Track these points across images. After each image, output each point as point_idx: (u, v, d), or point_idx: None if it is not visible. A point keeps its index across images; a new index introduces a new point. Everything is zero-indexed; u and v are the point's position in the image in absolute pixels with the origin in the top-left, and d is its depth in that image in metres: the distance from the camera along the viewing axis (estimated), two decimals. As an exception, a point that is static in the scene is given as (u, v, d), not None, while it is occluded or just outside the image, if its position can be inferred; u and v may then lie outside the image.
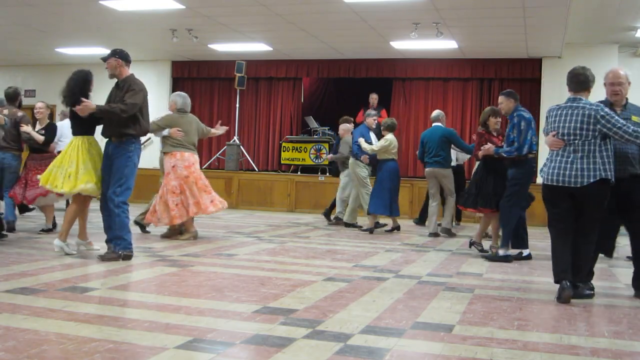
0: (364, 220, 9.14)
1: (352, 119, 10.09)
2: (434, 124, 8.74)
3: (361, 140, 8.85)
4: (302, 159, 12.97)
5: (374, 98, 12.39)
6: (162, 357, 2.84)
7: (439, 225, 8.71)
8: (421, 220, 10.06)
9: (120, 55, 6.02)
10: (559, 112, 4.56)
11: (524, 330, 3.58)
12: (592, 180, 4.34)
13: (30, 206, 7.75)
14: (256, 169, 13.48)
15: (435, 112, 8.93)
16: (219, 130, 7.74)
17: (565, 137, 4.46)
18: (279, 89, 14.24)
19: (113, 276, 4.79)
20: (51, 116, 8.53)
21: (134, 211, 6.45)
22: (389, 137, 8.75)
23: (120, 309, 3.72)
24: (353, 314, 3.80)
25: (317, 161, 12.76)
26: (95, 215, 7.05)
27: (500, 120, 6.98)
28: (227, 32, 11.23)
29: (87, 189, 5.55)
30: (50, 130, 7.23)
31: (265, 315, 3.68)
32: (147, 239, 7.11)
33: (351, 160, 9.15)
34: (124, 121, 5.54)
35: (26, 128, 6.97)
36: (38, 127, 7.29)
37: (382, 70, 13.29)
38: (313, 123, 13.35)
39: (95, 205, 6.14)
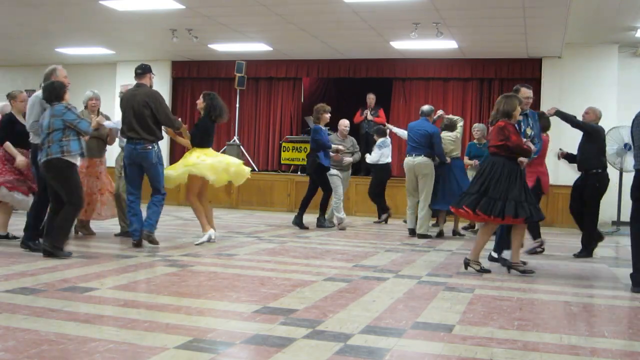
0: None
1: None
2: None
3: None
4: (302, 159, 12.94)
5: (371, 98, 12.38)
6: (162, 357, 2.84)
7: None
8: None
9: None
10: None
11: (524, 330, 3.58)
12: None
13: None
14: (256, 169, 13.47)
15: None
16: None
17: None
18: (279, 89, 14.24)
19: (113, 276, 4.79)
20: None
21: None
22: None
23: (120, 309, 3.72)
24: (353, 314, 3.80)
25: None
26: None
27: None
28: (227, 32, 11.23)
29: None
30: None
31: (265, 315, 3.68)
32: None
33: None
34: None
35: None
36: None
37: (382, 70, 13.28)
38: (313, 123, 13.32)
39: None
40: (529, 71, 12.41)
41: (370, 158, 10.36)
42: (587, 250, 6.92)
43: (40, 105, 5.84)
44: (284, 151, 13.25)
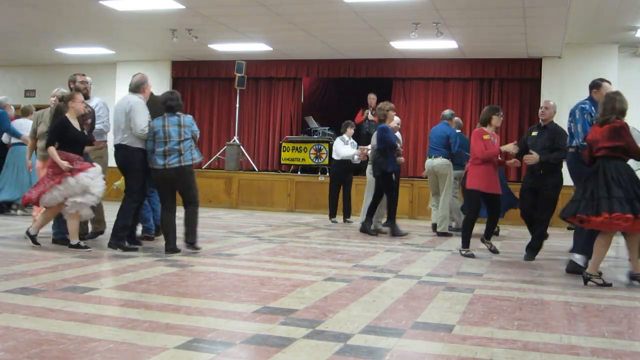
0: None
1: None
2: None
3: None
4: (302, 159, 12.97)
5: (372, 98, 12.38)
6: (162, 357, 2.84)
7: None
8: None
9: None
10: None
11: (524, 330, 3.58)
12: None
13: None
14: (256, 169, 13.48)
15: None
16: None
17: None
18: (279, 89, 14.24)
19: (113, 276, 4.79)
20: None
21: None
22: None
23: (120, 309, 3.72)
24: (353, 314, 3.80)
25: (317, 161, 12.76)
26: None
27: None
28: (227, 32, 11.23)
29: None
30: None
31: (265, 315, 3.68)
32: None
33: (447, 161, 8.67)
34: None
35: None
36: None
37: (382, 70, 13.29)
38: (313, 123, 13.35)
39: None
40: (529, 71, 12.41)
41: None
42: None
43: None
44: (284, 151, 13.25)
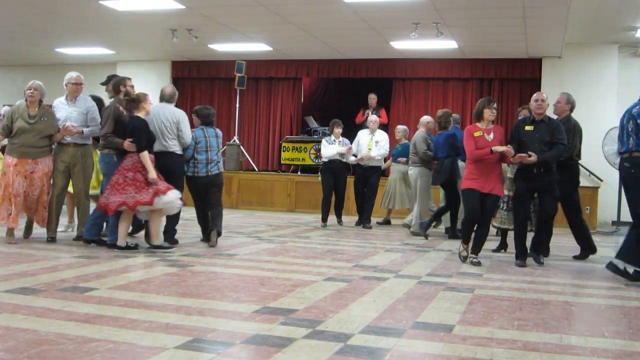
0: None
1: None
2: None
3: None
4: (302, 159, 12.97)
5: (372, 98, 12.37)
6: (162, 357, 2.84)
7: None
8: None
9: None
10: None
11: (524, 330, 3.58)
12: None
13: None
14: (256, 169, 13.48)
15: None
16: None
17: None
18: (279, 89, 14.24)
19: (113, 276, 4.79)
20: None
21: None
22: None
23: (120, 309, 3.72)
24: (353, 314, 3.81)
25: (317, 161, 12.75)
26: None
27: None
28: (227, 32, 11.23)
29: None
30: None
31: (265, 315, 3.68)
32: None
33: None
34: None
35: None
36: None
37: (382, 70, 13.29)
38: (313, 123, 13.35)
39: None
40: (529, 71, 12.42)
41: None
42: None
43: None
44: (284, 151, 13.26)
